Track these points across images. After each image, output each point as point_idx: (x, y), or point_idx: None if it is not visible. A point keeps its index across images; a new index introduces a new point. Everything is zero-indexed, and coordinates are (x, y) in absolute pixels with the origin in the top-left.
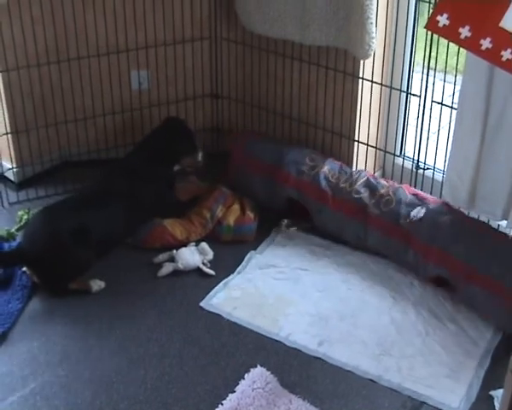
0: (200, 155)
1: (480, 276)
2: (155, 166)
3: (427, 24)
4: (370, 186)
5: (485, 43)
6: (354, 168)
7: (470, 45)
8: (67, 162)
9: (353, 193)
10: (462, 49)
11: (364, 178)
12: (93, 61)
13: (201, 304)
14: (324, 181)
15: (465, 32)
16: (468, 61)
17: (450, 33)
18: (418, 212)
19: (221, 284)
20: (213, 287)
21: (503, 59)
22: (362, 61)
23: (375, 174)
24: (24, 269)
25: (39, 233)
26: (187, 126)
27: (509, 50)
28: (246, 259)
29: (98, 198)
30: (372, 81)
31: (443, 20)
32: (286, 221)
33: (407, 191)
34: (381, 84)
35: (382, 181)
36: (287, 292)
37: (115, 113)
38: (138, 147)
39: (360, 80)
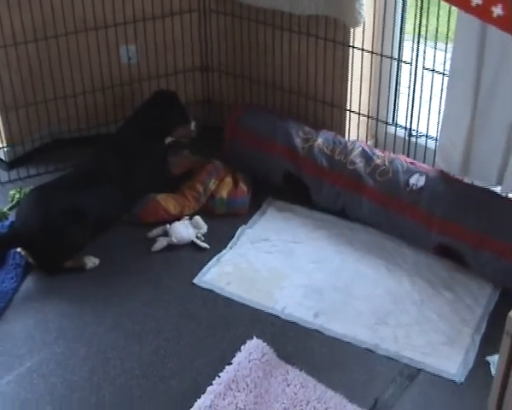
0: (193, 125)
1: (492, 241)
2: (147, 141)
3: None
4: (366, 156)
5: (476, 0)
6: (347, 138)
7: (461, 3)
8: (58, 140)
9: (348, 164)
10: (452, 16)
11: (359, 149)
12: (81, 37)
13: (195, 281)
14: (320, 155)
15: None
16: (459, 28)
17: None
18: (417, 180)
19: (214, 260)
20: (208, 260)
21: (494, 15)
22: (352, 30)
23: (368, 143)
24: (18, 250)
25: (33, 214)
26: (177, 97)
27: (499, 6)
28: (236, 234)
29: (91, 177)
30: (363, 49)
31: None
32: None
33: (404, 161)
34: (372, 52)
35: (377, 151)
36: (280, 265)
37: (105, 88)
38: (128, 121)
39: (351, 49)
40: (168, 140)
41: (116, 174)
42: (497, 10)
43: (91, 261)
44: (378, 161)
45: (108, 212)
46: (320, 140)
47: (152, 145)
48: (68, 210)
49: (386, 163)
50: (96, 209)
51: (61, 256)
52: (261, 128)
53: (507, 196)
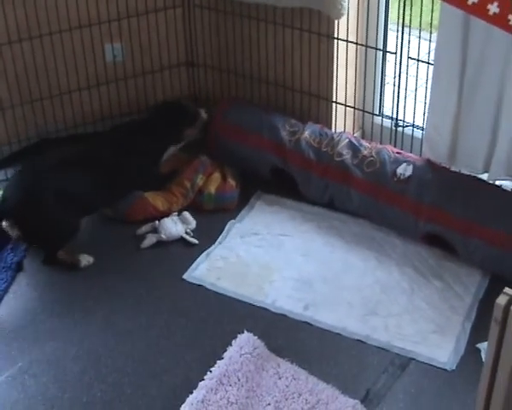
0: (203, 114)
1: (480, 228)
2: (149, 147)
3: None
4: (353, 148)
5: None
6: (334, 130)
7: (457, 1)
8: (45, 140)
9: (335, 156)
10: (436, 5)
11: (346, 141)
12: (65, 36)
13: (184, 277)
14: (307, 148)
15: None
16: (443, 17)
17: None
18: (405, 169)
19: (203, 256)
20: (198, 256)
21: (490, 13)
22: (336, 21)
23: (355, 135)
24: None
25: (21, 195)
26: (181, 103)
27: (495, 4)
28: (226, 229)
29: (81, 162)
30: (347, 41)
31: None
32: None
33: (391, 151)
34: (357, 43)
35: (364, 142)
36: (269, 259)
37: (91, 87)
38: (131, 124)
39: (335, 40)
40: (181, 144)
41: (106, 165)
42: (493, 8)
43: (86, 259)
44: (365, 152)
45: (92, 197)
46: (307, 133)
47: (151, 151)
48: (59, 193)
49: (374, 154)
50: (87, 196)
51: (54, 241)
52: (247, 122)
53: (494, 183)
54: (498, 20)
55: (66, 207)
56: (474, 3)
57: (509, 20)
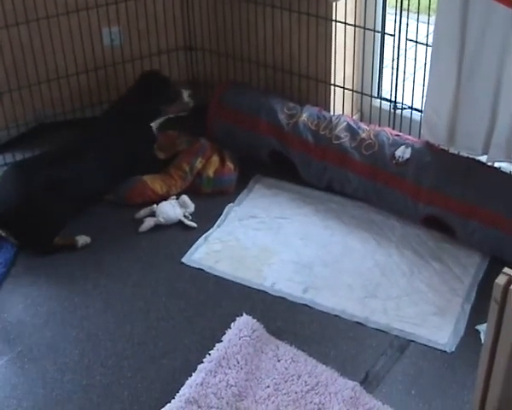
0: (186, 96)
1: (479, 210)
2: (133, 125)
3: None
4: (351, 131)
5: None
6: (332, 113)
7: None
8: (43, 124)
9: (334, 139)
10: None
11: (344, 123)
12: (63, 20)
13: (183, 260)
14: (305, 130)
15: None
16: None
17: None
18: (403, 152)
19: (201, 239)
20: (196, 239)
21: None
22: (334, 4)
23: (354, 117)
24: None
25: (11, 193)
26: (160, 76)
27: None
28: (224, 212)
29: (73, 153)
30: (345, 23)
31: None
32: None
33: (389, 133)
34: (355, 25)
35: (363, 125)
36: (268, 242)
37: (88, 71)
38: (115, 105)
39: (333, 23)
40: (161, 120)
41: (101, 153)
42: None
43: (83, 239)
44: (363, 135)
45: (90, 187)
46: (305, 115)
47: (137, 128)
48: (48, 184)
49: (372, 137)
50: (77, 181)
51: (46, 231)
52: (245, 105)
53: (493, 165)
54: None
55: (59, 197)
56: None
57: None
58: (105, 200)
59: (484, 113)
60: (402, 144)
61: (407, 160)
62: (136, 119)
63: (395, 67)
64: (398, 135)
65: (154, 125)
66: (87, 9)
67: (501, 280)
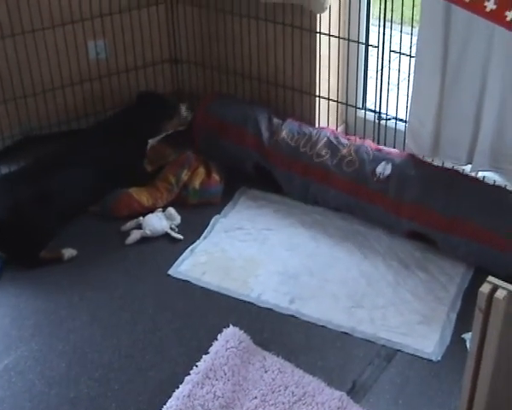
0: (183, 110)
1: (462, 224)
2: (130, 141)
3: None
4: (331, 147)
5: None
6: (316, 125)
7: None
8: (29, 137)
9: (315, 157)
10: (416, 0)
11: (325, 139)
12: (48, 33)
13: (170, 272)
14: (285, 147)
15: None
16: (424, 10)
17: None
18: (384, 168)
19: (188, 251)
20: (183, 251)
21: (487, 10)
22: (318, 16)
23: (338, 129)
24: None
25: None
26: (159, 95)
27: (492, 0)
28: (210, 224)
29: (60, 164)
30: (329, 35)
31: None
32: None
33: (370, 148)
34: (339, 37)
35: (343, 139)
36: (254, 253)
37: (74, 84)
38: (110, 120)
39: (318, 35)
40: (160, 137)
41: (88, 165)
42: (490, 4)
43: (69, 252)
44: (344, 151)
45: (77, 199)
46: (284, 132)
47: (133, 144)
48: (35, 197)
49: (353, 153)
50: (64, 195)
51: (32, 244)
52: (230, 117)
53: (476, 177)
54: (495, 17)
55: (46, 209)
56: (471, 0)
57: (506, 16)
58: (91, 212)
59: (467, 122)
60: (382, 160)
61: (388, 176)
62: (134, 135)
63: (379, 78)
64: (378, 149)
65: (151, 141)
66: (72, 23)
67: (485, 289)
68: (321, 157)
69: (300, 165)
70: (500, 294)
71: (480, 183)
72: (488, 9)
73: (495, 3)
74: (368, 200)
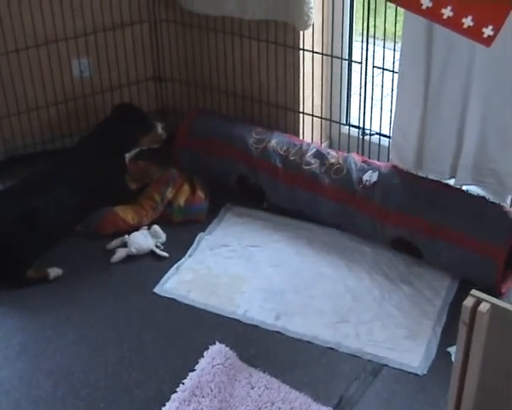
0: (159, 128)
1: (445, 231)
2: (107, 155)
3: None
4: (320, 156)
5: (426, 3)
6: (302, 140)
7: (408, 5)
8: (13, 156)
9: (303, 165)
10: (399, 15)
11: (314, 150)
12: (32, 53)
13: (155, 290)
14: (274, 155)
15: None
16: (406, 26)
17: None
18: (370, 176)
19: (173, 269)
20: (168, 269)
21: (423, 7)
22: (302, 32)
23: (323, 145)
24: None
25: None
26: (135, 109)
27: (449, 8)
28: (195, 241)
29: (45, 184)
30: (313, 51)
31: None
32: (265, 204)
33: (357, 159)
34: (322, 53)
35: (332, 151)
36: (240, 270)
37: (58, 103)
38: (88, 137)
39: (301, 51)
40: (135, 151)
41: (72, 183)
42: (447, 12)
43: (54, 271)
44: (332, 160)
45: (62, 218)
46: (274, 141)
47: (111, 159)
48: (20, 217)
49: (340, 161)
50: (49, 215)
51: (20, 265)
52: (213, 132)
53: (459, 187)
54: (473, 33)
55: (31, 229)
56: (428, 8)
57: (483, 33)
58: (76, 231)
59: (451, 137)
60: (369, 169)
61: (374, 183)
62: (111, 149)
63: (363, 93)
64: (365, 160)
65: (127, 155)
66: (56, 41)
67: (468, 302)
68: (310, 165)
69: (288, 172)
70: (484, 307)
71: (463, 192)
72: (445, 17)
73: (452, 11)
74: (354, 206)
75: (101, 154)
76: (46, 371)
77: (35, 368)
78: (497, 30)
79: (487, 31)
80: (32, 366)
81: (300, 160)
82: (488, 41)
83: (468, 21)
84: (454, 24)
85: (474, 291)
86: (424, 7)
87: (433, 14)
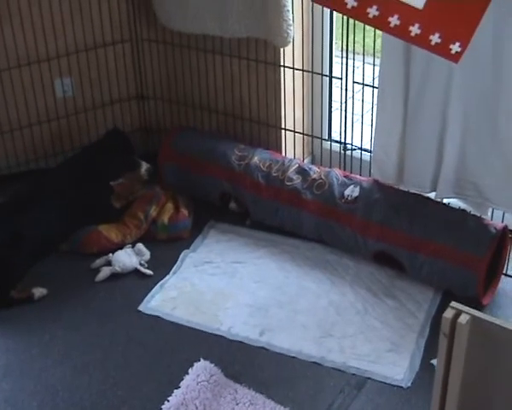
0: (143, 169)
1: (426, 244)
2: (92, 180)
3: None
4: (302, 172)
5: (372, 12)
6: (284, 156)
7: (356, 14)
8: None
9: (286, 181)
10: (378, 32)
11: (296, 166)
12: (14, 73)
13: (140, 308)
14: (256, 171)
15: (351, 2)
16: (385, 42)
17: (336, 4)
18: (352, 191)
19: (157, 286)
20: (153, 287)
21: (391, 25)
22: (282, 49)
23: (305, 161)
24: None
25: None
26: (127, 140)
27: (395, 16)
28: (180, 258)
29: (30, 203)
30: (293, 68)
31: (350, 1)
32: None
33: (339, 173)
34: (303, 70)
35: (314, 167)
36: (224, 287)
37: (41, 122)
38: (75, 158)
39: (282, 68)
40: (118, 182)
41: (56, 203)
42: (415, 29)
43: (39, 291)
44: (314, 176)
45: (46, 238)
46: (256, 158)
47: (96, 184)
48: (4, 237)
49: (323, 177)
50: (34, 235)
51: (4, 285)
52: (194, 149)
53: (439, 200)
54: (441, 50)
55: (16, 249)
56: (396, 25)
57: (451, 49)
58: (60, 249)
59: (431, 150)
60: (351, 184)
61: (356, 197)
62: (96, 176)
63: (344, 109)
64: (346, 175)
65: (112, 183)
66: (39, 62)
67: (448, 314)
68: (292, 181)
69: (271, 188)
70: (463, 318)
71: (444, 205)
72: (433, 43)
73: (419, 28)
74: (336, 221)
75: (87, 177)
76: (31, 391)
77: (20, 388)
78: (464, 46)
79: (455, 47)
80: (18, 387)
81: (283, 176)
82: (456, 57)
83: (435, 38)
84: (422, 41)
85: (453, 303)
86: (392, 25)
87: (401, 32)
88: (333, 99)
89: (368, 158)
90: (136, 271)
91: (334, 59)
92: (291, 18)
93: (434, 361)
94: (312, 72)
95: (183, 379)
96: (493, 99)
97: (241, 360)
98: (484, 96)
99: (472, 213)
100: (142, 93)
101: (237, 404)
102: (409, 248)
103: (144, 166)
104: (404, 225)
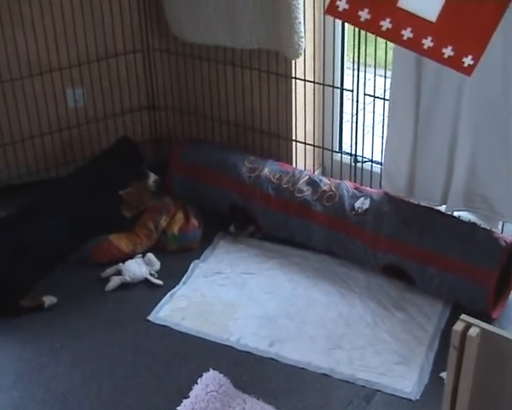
0: (151, 180)
1: (436, 257)
2: (102, 189)
3: (326, 9)
4: (313, 184)
5: (386, 24)
6: (295, 168)
7: (370, 27)
8: (8, 186)
9: (296, 192)
10: (390, 43)
11: (306, 177)
12: (26, 82)
13: (149, 318)
14: (266, 183)
15: (364, 14)
16: (396, 54)
17: (350, 17)
18: (362, 203)
19: (167, 296)
20: (163, 297)
21: (404, 38)
22: (293, 61)
23: (316, 172)
24: None
25: None
26: (137, 150)
27: (408, 29)
28: (190, 269)
29: (39, 214)
30: (305, 80)
31: (342, 4)
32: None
33: (349, 186)
34: (314, 81)
35: (324, 178)
36: (233, 297)
37: (53, 132)
38: (86, 166)
39: (293, 80)
40: (126, 190)
41: (66, 213)
42: (407, 33)
43: (49, 299)
44: (325, 188)
45: (55, 248)
46: (267, 169)
47: (106, 193)
48: (12, 247)
49: (333, 188)
50: (42, 245)
51: (13, 294)
52: (204, 160)
53: (449, 213)
54: (453, 63)
55: (24, 259)
56: (388, 29)
57: (464, 62)
58: (70, 259)
59: (441, 163)
60: (361, 196)
61: (366, 210)
62: (105, 185)
63: (355, 121)
64: (357, 187)
65: (121, 192)
66: (51, 72)
67: (458, 327)
68: (302, 192)
69: (281, 200)
70: (473, 331)
71: (454, 218)
72: (405, 38)
73: (432, 41)
74: (346, 233)
75: (96, 187)
76: (41, 399)
77: (30, 396)
78: (476, 59)
79: (467, 60)
80: (27, 394)
81: (293, 187)
82: (469, 70)
83: (448, 51)
84: (434, 54)
85: (463, 316)
86: (405, 38)
87: (414, 45)
88: (344, 111)
89: (378, 170)
90: (146, 281)
91: (345, 71)
92: (302, 30)
93: (443, 375)
94: (324, 84)
95: (191, 389)
96: (504, 112)
97: (251, 371)
98: (494, 109)
99: (482, 226)
100: (153, 103)
101: None
102: (418, 261)
103: (152, 177)
104: (413, 237)
